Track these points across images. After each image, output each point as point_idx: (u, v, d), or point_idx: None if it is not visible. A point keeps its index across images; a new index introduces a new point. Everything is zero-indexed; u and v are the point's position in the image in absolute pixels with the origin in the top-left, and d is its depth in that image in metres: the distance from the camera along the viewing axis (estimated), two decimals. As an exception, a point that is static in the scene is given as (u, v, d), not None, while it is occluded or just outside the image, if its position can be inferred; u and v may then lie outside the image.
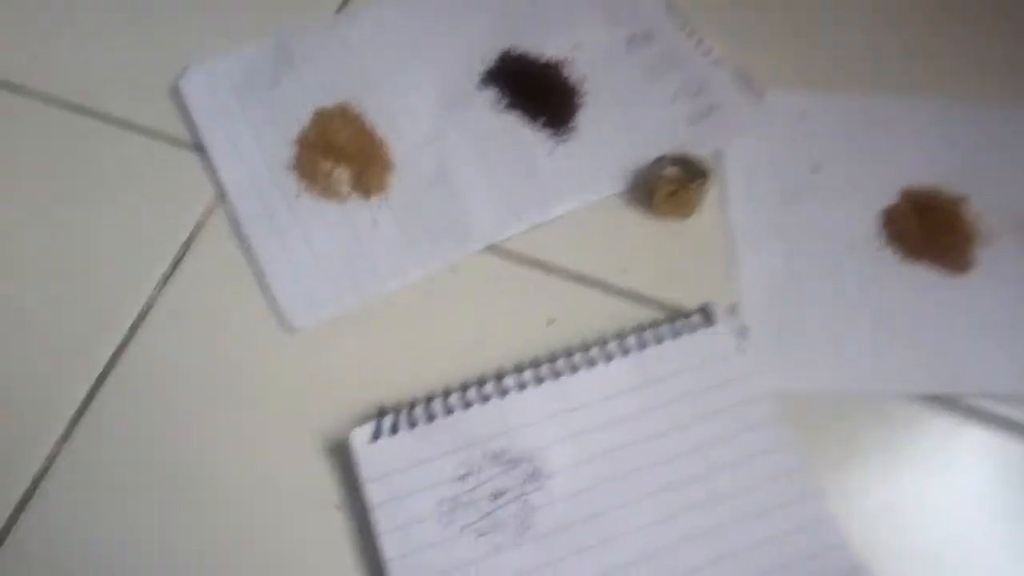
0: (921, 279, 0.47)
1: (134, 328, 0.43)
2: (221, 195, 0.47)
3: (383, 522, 0.38)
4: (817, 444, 0.42)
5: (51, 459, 0.40)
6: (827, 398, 0.43)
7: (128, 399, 0.42)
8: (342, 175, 0.48)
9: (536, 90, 0.52)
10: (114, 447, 0.40)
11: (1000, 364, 0.44)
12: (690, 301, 0.45)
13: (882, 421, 0.43)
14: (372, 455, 0.39)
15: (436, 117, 0.51)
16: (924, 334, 0.45)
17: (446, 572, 0.37)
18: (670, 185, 0.47)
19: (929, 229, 0.48)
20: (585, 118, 0.51)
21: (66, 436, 0.41)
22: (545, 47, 0.54)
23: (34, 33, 0.52)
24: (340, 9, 0.55)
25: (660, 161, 0.48)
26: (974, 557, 0.40)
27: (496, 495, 0.39)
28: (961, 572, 0.39)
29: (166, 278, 0.45)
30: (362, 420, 0.40)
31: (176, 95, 0.50)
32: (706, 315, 0.43)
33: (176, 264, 0.45)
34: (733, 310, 0.44)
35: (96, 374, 0.42)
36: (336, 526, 0.39)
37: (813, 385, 0.43)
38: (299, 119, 0.50)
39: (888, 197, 0.49)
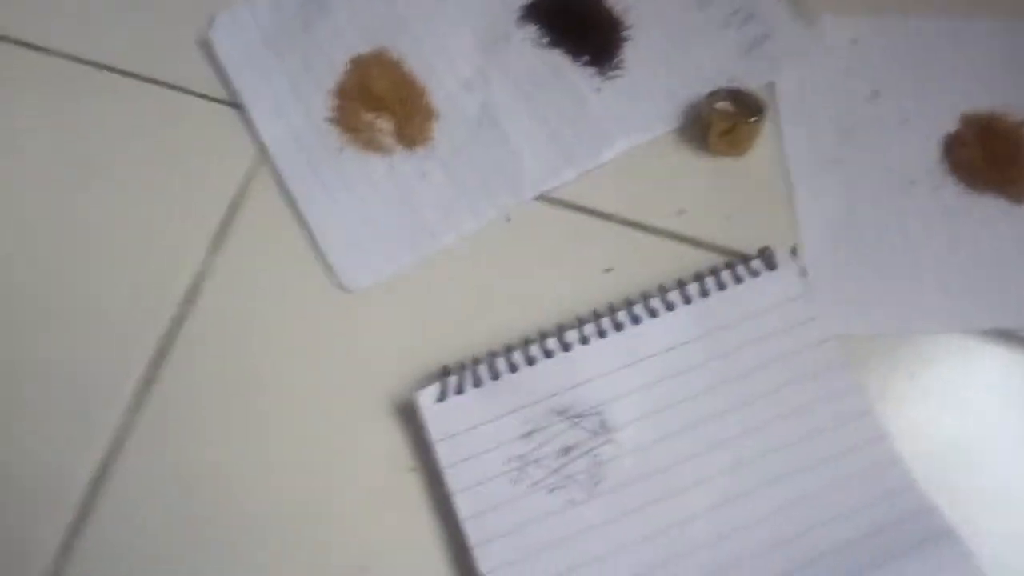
0: (985, 210, 0.46)
1: (189, 298, 0.43)
2: (263, 151, 0.46)
3: (455, 482, 0.38)
4: (883, 384, 0.41)
5: (121, 434, 0.40)
6: (891, 338, 0.42)
7: (191, 372, 0.41)
8: (385, 126, 0.47)
9: (578, 24, 0.50)
10: (180, 422, 0.40)
11: (1068, 296, 0.43)
12: (749, 243, 0.44)
13: (946, 358, 0.42)
14: (440, 416, 0.39)
15: (476, 58, 0.49)
16: (989, 268, 0.44)
17: (520, 528, 0.37)
18: (724, 122, 0.45)
19: (993, 156, 0.46)
20: (632, 52, 0.49)
21: (134, 407, 0.41)
22: (586, -25, 0.51)
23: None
24: (369, -55, 0.52)
25: (713, 96, 0.46)
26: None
27: (565, 450, 0.39)
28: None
29: (216, 243, 0.44)
30: (427, 380, 0.40)
31: (206, 47, 0.48)
32: (767, 259, 0.42)
33: (225, 227, 0.44)
34: (794, 252, 0.43)
35: (154, 349, 0.42)
36: (411, 487, 0.39)
37: (877, 326, 0.43)
38: (335, 68, 0.48)
39: (949, 124, 0.48)
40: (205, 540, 0.38)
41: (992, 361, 0.42)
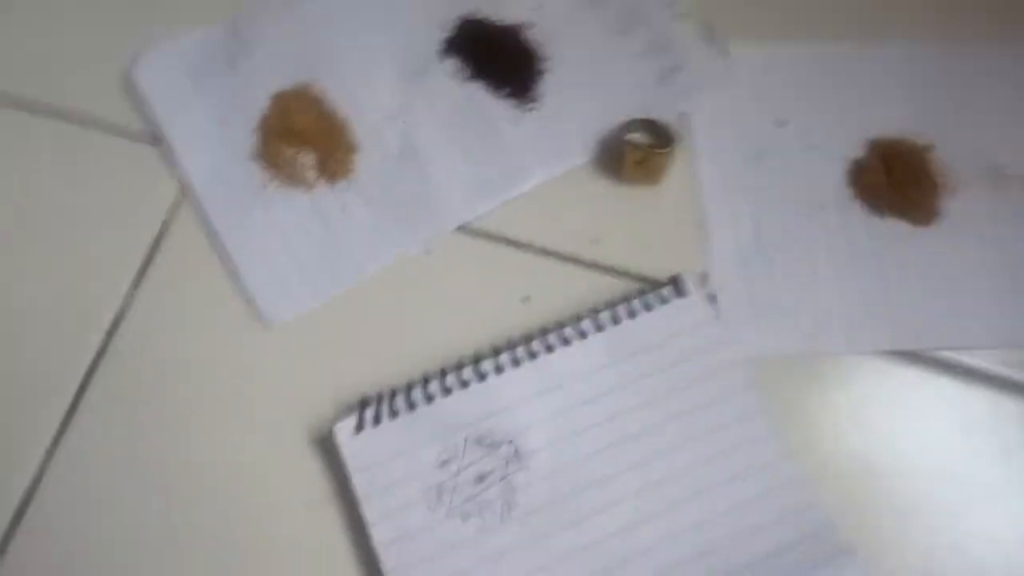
0: (889, 233, 0.47)
1: (110, 333, 0.43)
2: (187, 188, 0.47)
3: (371, 511, 0.39)
4: (790, 404, 0.43)
5: (40, 471, 0.41)
6: (800, 359, 0.44)
7: (110, 406, 0.42)
8: (307, 160, 0.48)
9: (497, 57, 0.51)
10: (100, 455, 0.41)
11: (966, 317, 0.45)
12: (664, 270, 0.45)
13: (852, 378, 0.44)
14: (357, 447, 0.40)
15: (398, 91, 0.50)
16: (893, 290, 0.46)
17: (435, 555, 0.38)
18: (637, 152, 0.47)
19: (897, 181, 0.48)
20: (550, 84, 0.50)
21: (53, 446, 0.41)
22: (506, 9, 0.52)
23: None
24: (292, -18, 0.53)
25: (626, 127, 0.48)
26: (946, 502, 0.41)
27: (480, 478, 0.40)
28: (934, 518, 0.41)
29: (139, 279, 0.45)
30: (345, 411, 0.41)
31: (128, 84, 0.49)
32: (676, 286, 0.44)
33: (147, 264, 0.45)
34: (704, 279, 0.44)
35: (76, 385, 0.42)
36: (328, 517, 0.40)
37: (784, 348, 0.44)
38: (259, 104, 0.49)
39: (855, 149, 0.49)
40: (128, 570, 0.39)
41: (896, 380, 0.44)
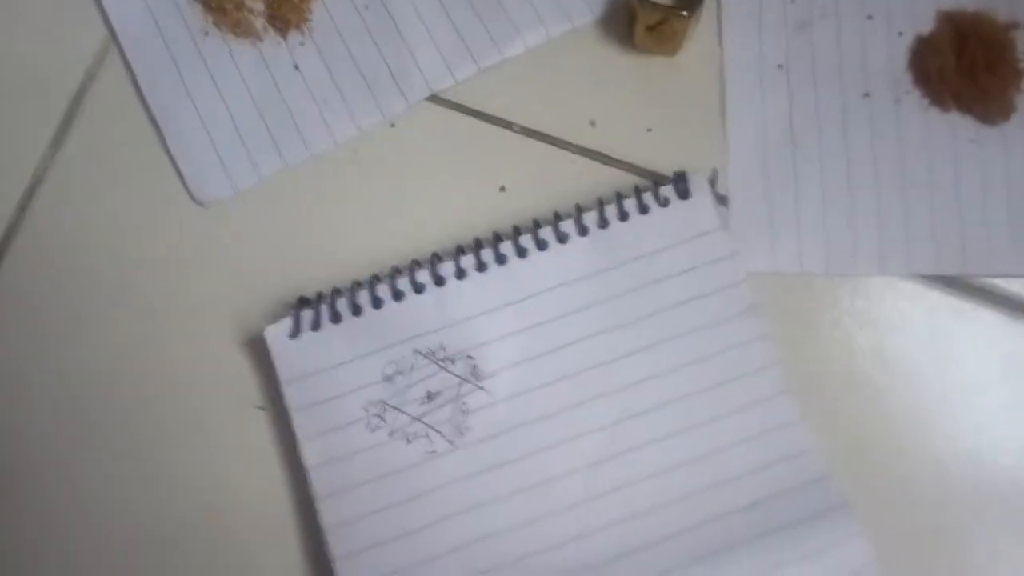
0: (950, 130, 0.39)
1: (23, 205, 0.39)
2: (114, 34, 0.40)
3: (304, 427, 0.35)
4: (804, 332, 0.37)
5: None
6: (819, 278, 0.38)
7: (21, 287, 0.38)
8: (255, 5, 0.40)
9: None
10: (16, 330, 0.37)
11: (1021, 239, 0.38)
12: (670, 162, 0.38)
13: (879, 303, 0.38)
14: (291, 353, 0.35)
15: (371, -78, 0.41)
16: (941, 202, 0.38)
17: (373, 480, 0.34)
18: (652, 14, 0.39)
19: (968, 66, 0.40)
20: (555, -80, 0.41)
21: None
22: None
23: None
24: None
25: (643, -19, 0.39)
26: (979, 443, 0.36)
27: (429, 396, 0.35)
28: (964, 456, 0.36)
29: (57, 142, 0.39)
30: (281, 310, 0.36)
31: (52, -98, 0.41)
32: (680, 184, 0.37)
33: (66, 124, 0.39)
34: (713, 179, 0.37)
35: (-16, 258, 0.38)
36: (259, 427, 0.36)
37: (804, 266, 0.38)
38: (203, -68, 0.41)
39: (923, 23, 0.41)
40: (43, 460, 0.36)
41: (928, 307, 0.37)
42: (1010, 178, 0.39)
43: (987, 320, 0.37)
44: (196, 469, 0.36)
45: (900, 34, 0.40)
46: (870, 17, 0.41)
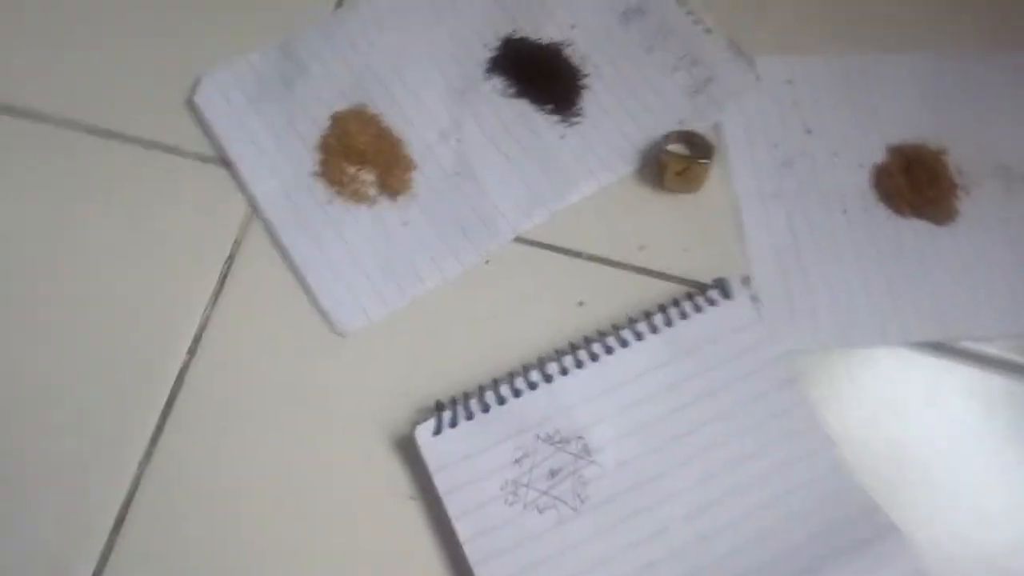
0: (911, 232, 0.51)
1: (192, 350, 0.46)
2: (254, 207, 0.49)
3: (454, 508, 0.42)
4: (827, 394, 0.46)
5: (134, 484, 0.43)
6: (835, 352, 0.47)
7: (196, 421, 0.44)
8: (368, 178, 0.50)
9: (541, 74, 0.54)
10: (186, 473, 0.43)
11: (985, 307, 0.49)
12: (706, 273, 0.48)
13: (883, 368, 0.47)
14: (436, 448, 0.43)
15: (448, 110, 0.53)
16: (916, 285, 0.49)
17: (516, 546, 0.41)
18: (678, 163, 0.50)
19: (916, 183, 0.52)
20: (590, 99, 0.53)
21: (145, 460, 0.44)
22: (544, 29, 0.55)
23: (40, 57, 0.53)
24: (338, 5, 0.55)
25: (667, 139, 0.51)
26: (971, 483, 0.45)
27: (552, 473, 0.43)
28: (961, 498, 0.45)
29: (216, 296, 0.47)
30: (422, 415, 0.44)
31: (193, 109, 0.51)
32: (722, 288, 0.47)
33: (223, 281, 0.47)
34: (746, 281, 0.48)
35: (163, 401, 0.44)
36: (414, 515, 0.43)
37: (821, 343, 0.48)
38: (317, 123, 0.51)
39: (877, 155, 0.53)
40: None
41: (922, 370, 0.48)
42: (964, 263, 0.50)
43: (967, 375, 0.48)
44: (359, 555, 0.42)
45: (860, 165, 0.53)
46: (835, 154, 0.53)
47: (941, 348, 0.48)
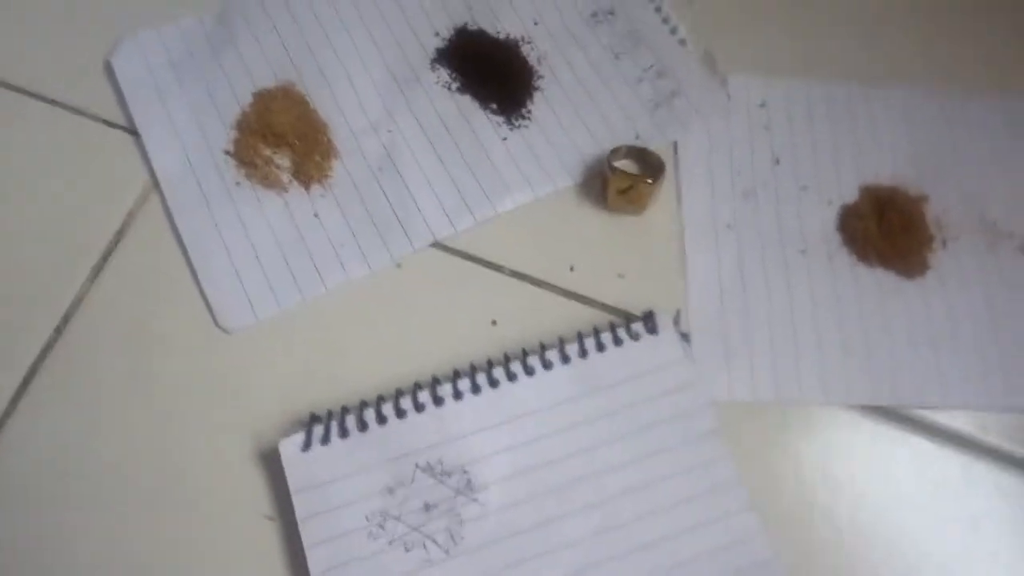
0: (875, 283, 0.46)
1: (61, 326, 0.42)
2: (156, 181, 0.45)
3: (309, 535, 0.37)
4: (757, 452, 0.41)
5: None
6: (772, 406, 0.43)
7: (56, 399, 0.41)
8: (282, 162, 0.46)
9: (490, 71, 0.50)
10: (40, 448, 0.40)
11: (946, 376, 0.44)
12: (639, 303, 0.44)
13: (822, 429, 0.43)
14: (301, 466, 0.38)
15: (385, 99, 0.49)
16: (873, 343, 0.44)
17: (373, 586, 0.37)
18: (623, 180, 0.45)
19: (887, 230, 0.47)
20: (541, 102, 0.49)
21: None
22: (504, 22, 0.51)
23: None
24: (285, -23, 0.52)
25: (614, 153, 0.47)
26: (910, 558, 0.40)
27: (428, 507, 0.38)
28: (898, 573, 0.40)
29: (97, 271, 0.43)
30: (295, 427, 0.39)
31: (111, 72, 0.48)
32: (649, 323, 0.42)
33: (107, 256, 0.44)
34: (677, 318, 0.43)
35: (22, 374, 0.41)
36: (267, 536, 0.38)
37: (757, 395, 0.43)
38: (239, 100, 0.48)
39: (848, 194, 0.48)
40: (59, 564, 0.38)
41: (867, 435, 0.43)
42: (931, 324, 0.45)
43: (916, 446, 0.42)
44: (206, 572, 0.38)
45: (829, 202, 0.48)
46: (803, 188, 0.48)
47: (891, 414, 0.43)
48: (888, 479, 0.42)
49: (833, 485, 0.41)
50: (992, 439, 0.42)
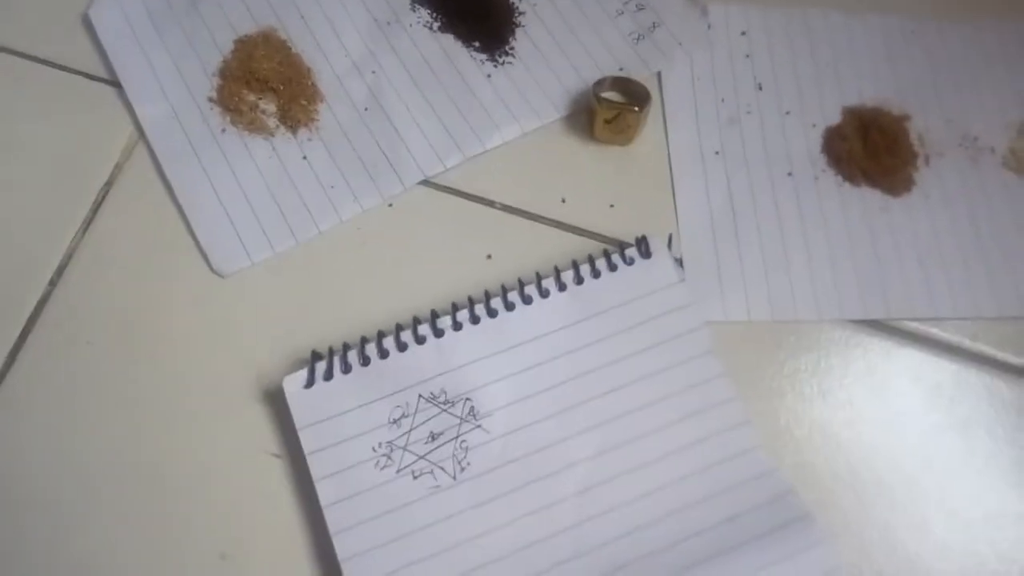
0: (862, 201, 0.46)
1: (55, 279, 0.42)
2: (141, 132, 0.45)
3: (318, 469, 0.38)
4: (754, 370, 0.42)
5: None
6: (766, 324, 0.43)
7: (55, 351, 0.41)
8: (268, 108, 0.46)
9: (471, 8, 0.49)
10: (42, 402, 0.40)
11: (935, 287, 0.44)
12: (631, 231, 0.44)
13: (817, 345, 0.43)
14: (306, 402, 0.39)
15: (366, 41, 0.48)
16: (862, 259, 0.45)
17: (384, 515, 0.37)
18: (609, 110, 0.46)
19: (871, 149, 0.47)
20: (524, 39, 0.49)
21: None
22: (482, -42, 0.51)
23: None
24: (260, -79, 0.51)
25: (599, 85, 0.47)
26: (905, 476, 0.41)
27: (432, 436, 0.39)
28: (894, 491, 0.40)
29: (87, 223, 0.43)
30: (297, 365, 0.40)
31: (89, 25, 0.47)
32: (642, 247, 0.43)
33: (97, 207, 0.43)
34: (670, 241, 0.43)
35: (19, 329, 0.41)
36: (275, 473, 0.39)
37: (751, 314, 0.43)
38: (220, 47, 0.47)
39: (831, 116, 0.48)
40: (70, 514, 0.38)
41: (860, 349, 0.43)
42: (917, 239, 0.45)
43: (909, 357, 0.43)
44: (214, 513, 0.38)
45: (813, 125, 0.48)
46: (787, 113, 0.48)
47: (883, 327, 0.44)
48: (883, 390, 0.42)
49: (830, 399, 0.42)
50: (982, 346, 0.43)
